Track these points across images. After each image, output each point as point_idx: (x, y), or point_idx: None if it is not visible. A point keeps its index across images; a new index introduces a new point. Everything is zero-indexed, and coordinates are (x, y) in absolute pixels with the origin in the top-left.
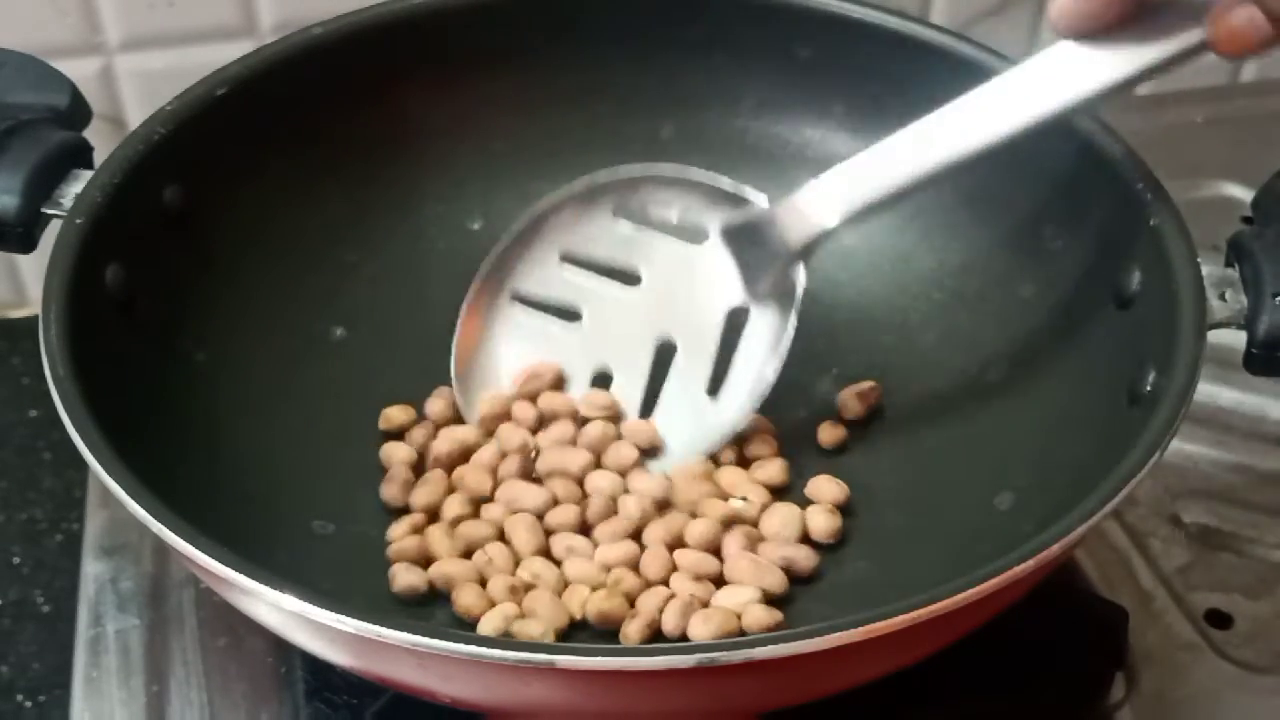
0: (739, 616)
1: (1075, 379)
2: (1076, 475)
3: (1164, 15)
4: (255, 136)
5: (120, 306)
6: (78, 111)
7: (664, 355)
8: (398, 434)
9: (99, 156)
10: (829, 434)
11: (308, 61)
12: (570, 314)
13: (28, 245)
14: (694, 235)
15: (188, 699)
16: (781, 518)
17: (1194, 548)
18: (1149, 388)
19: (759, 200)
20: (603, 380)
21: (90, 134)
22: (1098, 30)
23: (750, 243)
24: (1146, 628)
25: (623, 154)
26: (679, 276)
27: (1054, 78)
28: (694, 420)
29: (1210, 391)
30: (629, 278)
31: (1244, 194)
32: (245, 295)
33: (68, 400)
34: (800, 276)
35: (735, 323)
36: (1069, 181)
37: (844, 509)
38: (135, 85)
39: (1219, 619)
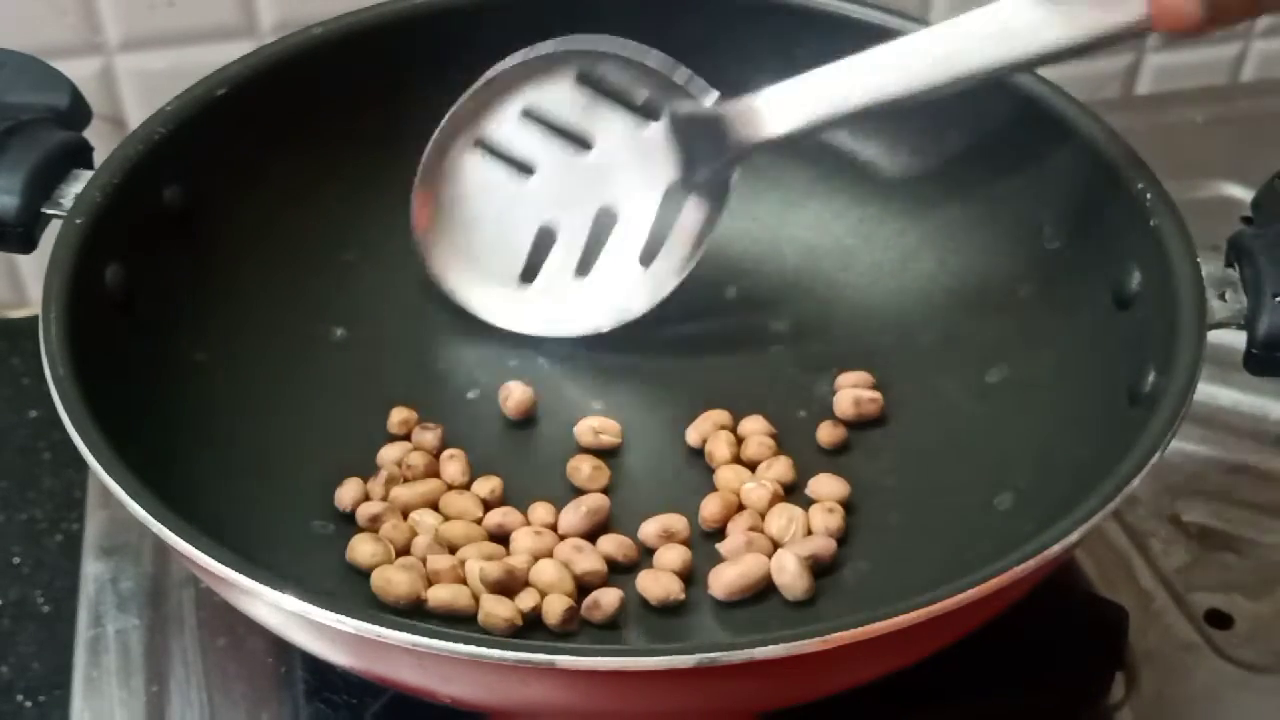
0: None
1: (1075, 379)
2: (1076, 475)
3: None
4: (255, 136)
5: (120, 306)
6: (78, 111)
7: (604, 221)
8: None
9: (99, 156)
10: (829, 434)
11: (308, 61)
12: (525, 168)
13: (28, 245)
14: (648, 114)
15: (188, 699)
16: (787, 517)
17: (1194, 548)
18: (1149, 388)
19: (708, 96)
20: (546, 237)
21: (90, 134)
22: None
23: (697, 134)
24: (1146, 628)
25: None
26: (628, 150)
27: (1004, 31)
28: (625, 285)
29: (1210, 391)
30: (582, 143)
31: (1244, 194)
32: (245, 295)
33: (68, 400)
34: (735, 176)
35: (673, 201)
36: (1069, 181)
37: (845, 507)
38: (135, 85)
39: (1219, 619)
